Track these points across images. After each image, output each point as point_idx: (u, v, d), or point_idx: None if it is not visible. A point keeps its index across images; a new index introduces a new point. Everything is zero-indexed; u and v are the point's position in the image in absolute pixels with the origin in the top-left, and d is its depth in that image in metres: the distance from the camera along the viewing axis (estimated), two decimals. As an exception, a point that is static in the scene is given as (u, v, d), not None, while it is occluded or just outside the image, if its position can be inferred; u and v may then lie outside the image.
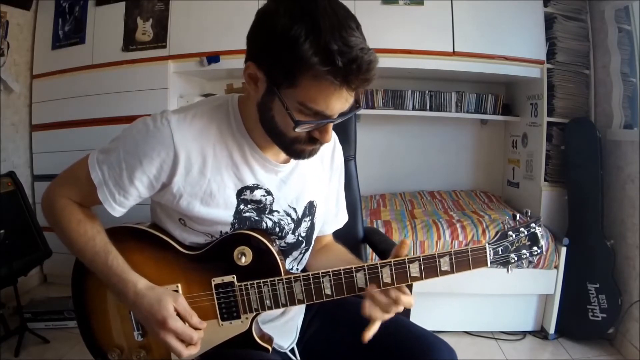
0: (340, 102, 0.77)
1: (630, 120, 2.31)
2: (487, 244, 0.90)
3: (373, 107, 2.83)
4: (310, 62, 0.72)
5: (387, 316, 0.89)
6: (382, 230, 2.28)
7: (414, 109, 2.82)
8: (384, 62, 2.62)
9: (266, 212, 0.96)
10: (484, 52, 2.48)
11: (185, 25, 2.60)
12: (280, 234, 0.98)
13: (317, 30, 0.72)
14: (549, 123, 2.49)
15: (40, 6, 2.86)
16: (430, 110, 2.83)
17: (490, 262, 0.90)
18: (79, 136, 2.68)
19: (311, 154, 0.89)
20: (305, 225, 1.02)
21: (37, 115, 2.87)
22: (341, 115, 0.80)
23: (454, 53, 2.48)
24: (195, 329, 0.89)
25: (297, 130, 0.79)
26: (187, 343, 0.87)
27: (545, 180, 2.50)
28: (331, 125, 0.83)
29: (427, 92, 2.81)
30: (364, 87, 0.77)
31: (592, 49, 2.51)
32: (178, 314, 0.87)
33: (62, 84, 2.77)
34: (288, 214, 0.98)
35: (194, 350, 0.88)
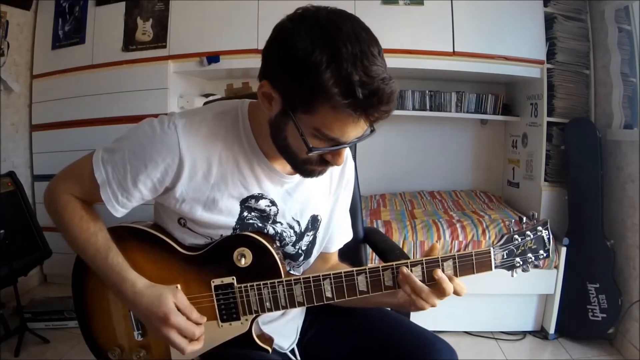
0: (356, 130, 0.76)
1: (630, 120, 2.31)
2: (491, 248, 0.89)
3: (373, 107, 2.83)
4: (330, 92, 0.70)
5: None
6: (382, 230, 2.28)
7: (414, 109, 2.82)
8: (384, 62, 2.64)
9: (269, 222, 0.95)
10: (484, 52, 2.48)
11: (185, 25, 2.60)
12: (280, 243, 0.98)
13: (338, 58, 0.69)
14: (549, 123, 2.49)
15: (40, 6, 2.85)
16: (430, 110, 2.82)
17: (495, 266, 0.89)
18: (79, 136, 2.68)
19: (321, 173, 0.88)
20: (307, 239, 1.01)
21: (37, 115, 2.87)
22: (355, 139, 0.79)
23: (454, 53, 2.48)
24: (197, 324, 0.88)
25: (310, 154, 0.79)
26: (190, 339, 0.87)
27: (545, 180, 2.50)
28: (345, 149, 0.82)
29: (427, 92, 2.81)
30: (383, 118, 0.75)
31: (592, 49, 2.51)
32: (178, 310, 0.87)
33: (62, 84, 2.77)
34: (291, 227, 0.98)
35: (197, 346, 0.88)
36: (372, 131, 0.81)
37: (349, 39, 0.70)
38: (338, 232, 1.11)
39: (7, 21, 2.62)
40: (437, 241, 2.24)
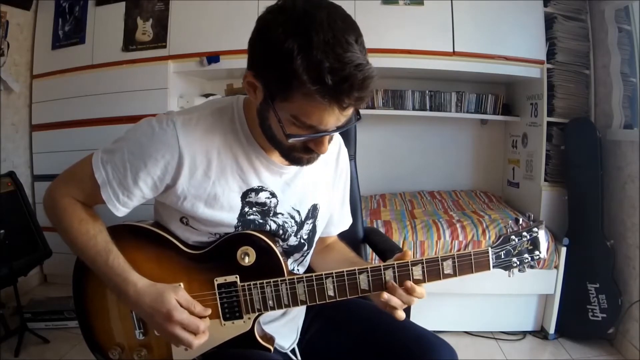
0: (333, 118, 0.77)
1: (630, 120, 2.31)
2: (489, 248, 0.90)
3: (373, 107, 2.83)
4: (301, 79, 0.71)
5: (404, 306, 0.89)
6: (382, 230, 2.28)
7: (414, 109, 2.83)
8: (384, 62, 2.66)
9: (270, 215, 0.96)
10: (484, 52, 2.48)
11: (185, 25, 2.61)
12: (283, 236, 0.98)
13: (309, 45, 0.70)
14: (549, 123, 2.49)
15: (40, 6, 2.85)
16: (430, 110, 2.83)
17: (493, 266, 0.90)
18: (79, 136, 2.68)
19: (309, 161, 0.89)
20: (307, 227, 1.02)
21: (37, 115, 2.87)
22: (338, 127, 0.80)
23: (454, 53, 2.48)
24: (201, 317, 0.89)
25: (290, 141, 0.80)
26: (195, 333, 0.88)
27: (545, 180, 2.50)
28: (327, 137, 0.82)
29: (427, 92, 2.82)
30: (357, 105, 0.76)
31: (592, 49, 2.51)
32: (181, 306, 0.87)
33: (62, 84, 2.77)
34: (292, 217, 0.99)
35: (203, 339, 0.89)
36: (358, 119, 0.82)
37: (321, 27, 0.71)
38: (337, 218, 1.14)
39: (7, 21, 2.62)
40: (437, 241, 2.24)
